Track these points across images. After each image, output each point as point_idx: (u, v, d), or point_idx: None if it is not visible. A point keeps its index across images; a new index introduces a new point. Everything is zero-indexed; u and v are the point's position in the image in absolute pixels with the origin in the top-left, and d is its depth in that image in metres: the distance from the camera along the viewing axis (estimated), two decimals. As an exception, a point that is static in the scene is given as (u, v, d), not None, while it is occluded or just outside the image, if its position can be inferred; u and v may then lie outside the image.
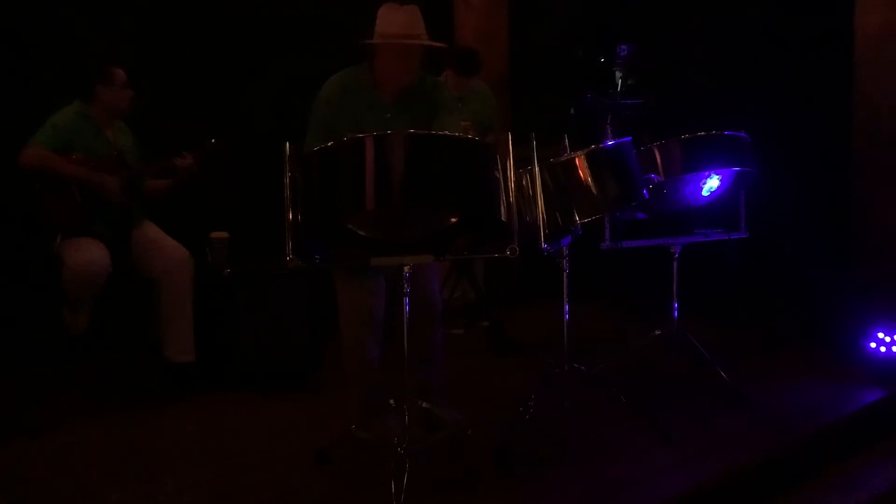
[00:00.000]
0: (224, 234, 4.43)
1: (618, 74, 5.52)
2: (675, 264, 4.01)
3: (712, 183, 3.86)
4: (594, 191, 3.24)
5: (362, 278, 3.30)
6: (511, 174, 2.83)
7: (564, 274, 3.48)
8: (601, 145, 3.32)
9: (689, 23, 5.62)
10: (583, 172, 3.21)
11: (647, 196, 3.39)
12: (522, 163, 3.03)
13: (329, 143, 2.75)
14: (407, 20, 3.22)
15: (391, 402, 3.13)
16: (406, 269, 2.90)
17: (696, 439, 3.47)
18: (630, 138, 3.39)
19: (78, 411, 3.88)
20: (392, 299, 3.20)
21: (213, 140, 4.29)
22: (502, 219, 2.80)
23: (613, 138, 3.81)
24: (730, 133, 3.80)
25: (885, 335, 4.22)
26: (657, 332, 4.10)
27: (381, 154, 2.68)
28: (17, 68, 4.44)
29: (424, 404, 3.25)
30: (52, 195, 4.02)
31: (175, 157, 4.26)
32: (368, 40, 3.23)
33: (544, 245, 3.00)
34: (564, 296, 3.49)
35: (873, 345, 4.25)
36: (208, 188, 4.70)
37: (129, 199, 4.18)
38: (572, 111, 5.92)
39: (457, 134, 2.97)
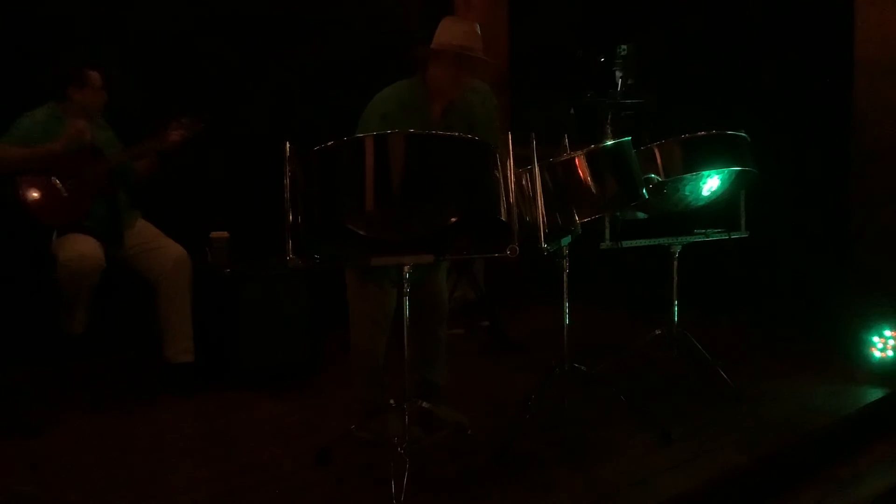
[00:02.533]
0: (224, 234, 4.43)
1: (618, 74, 5.52)
2: (675, 264, 4.01)
3: (712, 182, 3.86)
4: (594, 191, 3.24)
5: (376, 277, 3.30)
6: (511, 174, 2.83)
7: (564, 274, 3.48)
8: (601, 145, 3.32)
9: (689, 23, 5.62)
10: (583, 172, 3.21)
11: (647, 196, 3.38)
12: (522, 162, 3.03)
13: (329, 143, 2.75)
14: (466, 33, 3.24)
15: (391, 402, 3.13)
16: (406, 268, 2.91)
17: (696, 439, 3.47)
18: (630, 138, 3.39)
19: (78, 411, 3.87)
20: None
21: (183, 119, 4.23)
22: (502, 218, 2.80)
23: (613, 138, 3.79)
24: (730, 132, 3.80)
25: (886, 335, 4.22)
26: (657, 332, 4.10)
27: (381, 154, 2.68)
28: (16, 69, 4.43)
29: (424, 404, 3.25)
30: (38, 194, 4.00)
31: (158, 135, 4.17)
32: (425, 46, 3.24)
33: (544, 245, 3.00)
34: (564, 296, 3.49)
35: (873, 345, 4.25)
36: (208, 188, 4.69)
37: (116, 186, 4.17)
38: (572, 111, 5.91)
39: (456, 133, 2.97)
